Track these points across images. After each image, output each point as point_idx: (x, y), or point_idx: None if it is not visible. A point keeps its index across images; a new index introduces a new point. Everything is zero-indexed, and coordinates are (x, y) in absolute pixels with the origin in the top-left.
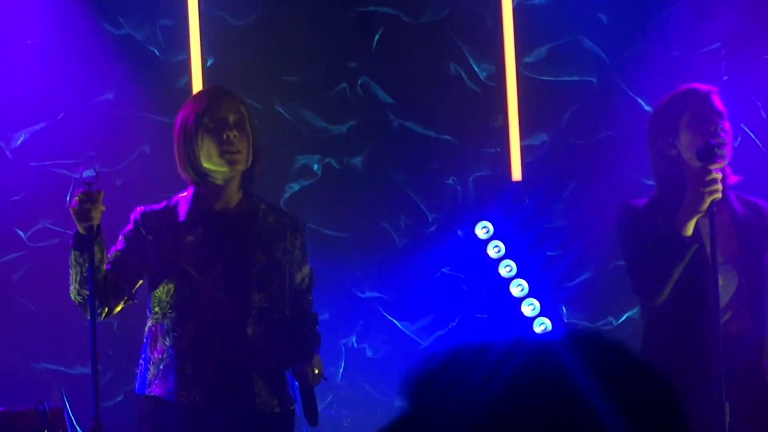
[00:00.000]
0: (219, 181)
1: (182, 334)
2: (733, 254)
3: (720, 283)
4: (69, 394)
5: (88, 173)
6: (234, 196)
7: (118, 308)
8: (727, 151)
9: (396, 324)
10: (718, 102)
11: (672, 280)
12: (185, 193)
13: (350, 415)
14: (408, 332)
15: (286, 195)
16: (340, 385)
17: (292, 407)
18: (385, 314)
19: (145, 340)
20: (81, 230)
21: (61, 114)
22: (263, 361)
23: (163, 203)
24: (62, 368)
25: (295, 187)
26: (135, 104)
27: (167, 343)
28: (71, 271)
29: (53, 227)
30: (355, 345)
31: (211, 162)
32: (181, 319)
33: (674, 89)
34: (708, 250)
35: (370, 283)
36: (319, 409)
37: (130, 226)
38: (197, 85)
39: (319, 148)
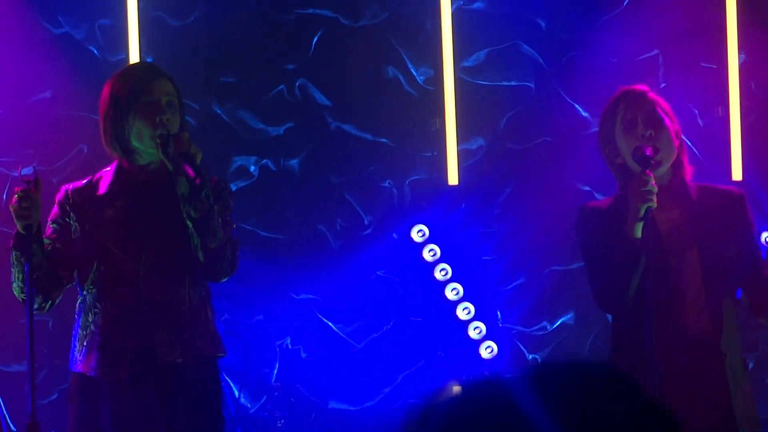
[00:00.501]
0: (145, 158)
1: (103, 310)
2: (688, 250)
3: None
4: (3, 392)
5: (26, 171)
6: (156, 167)
7: (59, 296)
8: (669, 149)
9: (330, 326)
10: (650, 102)
11: (631, 288)
12: (108, 168)
13: (284, 416)
14: (342, 334)
15: None
16: (274, 386)
17: (218, 356)
18: (320, 316)
19: (75, 317)
20: (20, 229)
21: None
22: (182, 319)
23: (87, 179)
24: None
25: (232, 188)
26: (73, 103)
27: (89, 319)
28: (13, 270)
29: None
30: (290, 346)
31: (141, 143)
32: (102, 295)
33: (613, 93)
34: (668, 251)
35: (306, 285)
36: (253, 410)
37: (56, 210)
38: None
39: (256, 150)
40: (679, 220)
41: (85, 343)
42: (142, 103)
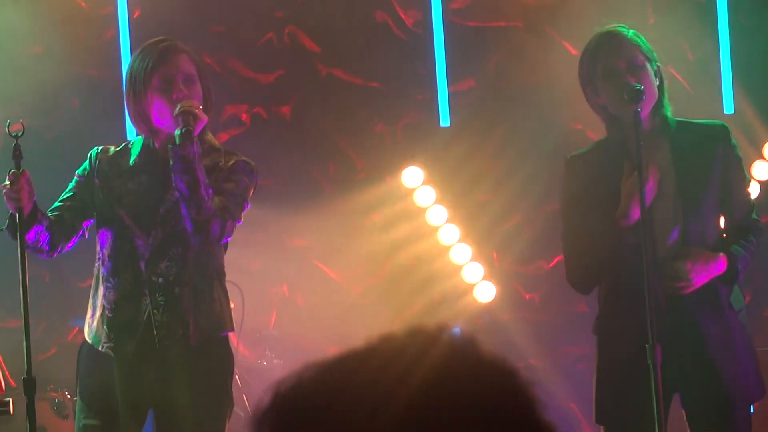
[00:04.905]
0: (167, 138)
1: (114, 285)
2: (672, 188)
3: (668, 220)
4: (1, 348)
5: (14, 127)
6: None
7: (70, 244)
8: (650, 93)
9: (326, 272)
10: (629, 48)
11: (605, 273)
12: (142, 136)
13: (283, 364)
14: (338, 280)
15: None
16: (272, 333)
17: (223, 333)
18: (316, 262)
19: (93, 280)
20: (14, 212)
21: None
22: (183, 301)
23: (122, 144)
24: None
25: (224, 137)
26: (63, 57)
27: (101, 292)
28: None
29: None
30: (287, 293)
31: (162, 121)
32: (116, 270)
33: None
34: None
35: (300, 231)
36: (251, 358)
37: (84, 164)
38: (124, 38)
39: (247, 98)
40: (664, 162)
41: (96, 314)
42: (159, 80)
